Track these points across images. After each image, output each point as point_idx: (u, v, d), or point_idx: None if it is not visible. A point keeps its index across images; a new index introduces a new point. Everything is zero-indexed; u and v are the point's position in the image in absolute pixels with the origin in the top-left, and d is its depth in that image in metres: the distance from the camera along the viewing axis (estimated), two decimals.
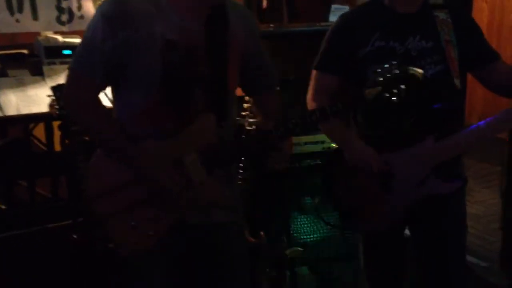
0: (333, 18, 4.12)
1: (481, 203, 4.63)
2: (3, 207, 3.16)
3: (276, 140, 1.87)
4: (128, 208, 1.86)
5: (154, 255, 1.91)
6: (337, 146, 2.31)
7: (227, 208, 1.96)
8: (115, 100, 1.94)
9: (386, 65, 1.86)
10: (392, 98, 1.85)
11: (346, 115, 2.33)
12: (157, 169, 1.83)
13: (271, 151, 1.89)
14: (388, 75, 1.85)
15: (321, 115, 1.88)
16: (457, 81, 2.13)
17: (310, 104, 2.28)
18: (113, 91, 1.93)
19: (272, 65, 2.11)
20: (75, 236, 2.64)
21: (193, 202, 1.87)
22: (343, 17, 2.29)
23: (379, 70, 1.87)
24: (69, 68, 1.90)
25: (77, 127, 2.42)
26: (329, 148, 3.11)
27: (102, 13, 1.79)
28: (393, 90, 1.85)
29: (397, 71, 1.85)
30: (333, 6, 4.20)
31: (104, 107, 1.91)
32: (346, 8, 4.13)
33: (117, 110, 1.93)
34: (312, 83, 2.29)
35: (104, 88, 1.91)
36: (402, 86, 1.84)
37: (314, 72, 2.29)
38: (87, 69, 1.81)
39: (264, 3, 4.00)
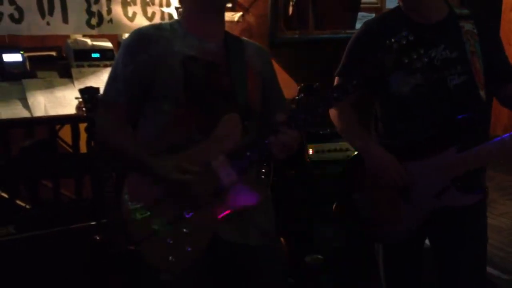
0: (359, 25, 4.12)
1: (504, 215, 4.57)
2: (28, 206, 3.20)
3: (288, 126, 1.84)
4: (163, 226, 1.87)
5: (189, 274, 1.90)
6: (357, 153, 2.31)
7: (262, 230, 1.97)
8: (140, 126, 1.98)
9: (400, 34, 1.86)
10: (413, 64, 1.84)
11: (367, 123, 2.33)
12: (181, 178, 1.83)
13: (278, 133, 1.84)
14: (404, 42, 1.84)
15: (343, 92, 1.87)
16: (482, 93, 2.12)
17: (331, 111, 2.28)
18: (140, 112, 1.97)
19: (284, 99, 2.18)
20: (98, 237, 2.67)
21: (226, 207, 1.87)
22: (366, 24, 2.29)
23: (393, 39, 1.86)
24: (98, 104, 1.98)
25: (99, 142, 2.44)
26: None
27: (123, 44, 1.96)
28: (413, 55, 1.85)
29: (412, 37, 1.84)
30: (360, 14, 4.21)
31: (129, 128, 1.97)
32: (372, 16, 4.13)
33: (142, 134, 1.97)
34: None
35: (130, 113, 1.96)
36: (422, 50, 1.84)
37: (336, 79, 2.30)
38: (112, 94, 1.93)
39: (290, 10, 4.01)
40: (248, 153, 1.86)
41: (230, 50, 1.98)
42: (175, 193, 1.86)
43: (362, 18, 4.20)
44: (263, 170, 2.37)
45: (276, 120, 1.83)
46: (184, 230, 1.86)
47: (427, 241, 2.37)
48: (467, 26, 2.16)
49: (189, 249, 1.87)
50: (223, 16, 2.03)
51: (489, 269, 3.49)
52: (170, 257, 1.86)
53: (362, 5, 4.27)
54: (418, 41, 1.86)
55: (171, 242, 1.87)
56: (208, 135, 1.88)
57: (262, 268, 2.00)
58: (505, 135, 2.11)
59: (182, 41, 1.92)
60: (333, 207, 2.41)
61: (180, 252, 1.87)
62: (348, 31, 4.06)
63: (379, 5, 4.41)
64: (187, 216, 1.87)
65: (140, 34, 1.94)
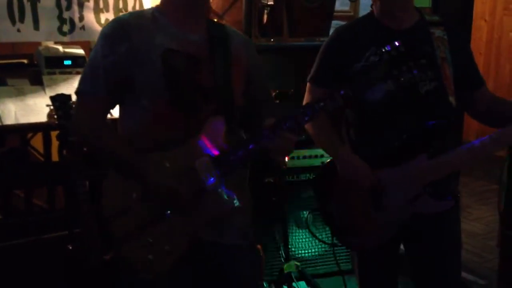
0: None
1: (478, 220, 4.62)
2: None
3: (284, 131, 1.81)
4: (144, 225, 1.84)
5: (169, 273, 1.87)
6: (329, 160, 2.31)
7: (239, 229, 1.95)
8: (122, 117, 1.95)
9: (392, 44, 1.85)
10: (401, 77, 1.83)
11: (340, 131, 2.33)
12: (163, 177, 1.81)
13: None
14: (395, 53, 1.83)
15: (331, 101, 1.84)
16: (452, 99, 2.13)
17: None
18: (120, 109, 1.95)
19: (271, 95, 2.16)
20: (71, 247, 2.62)
21: (207, 211, 1.85)
22: (337, 31, 2.30)
23: (384, 49, 1.85)
24: (75, 93, 1.93)
25: (75, 137, 2.41)
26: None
27: (102, 33, 1.88)
28: (403, 67, 1.84)
29: (403, 49, 1.83)
30: (334, 22, 4.22)
31: (108, 124, 1.93)
32: None
33: (124, 127, 1.94)
34: (306, 96, 2.30)
35: (110, 106, 1.93)
36: (411, 63, 1.84)
37: (308, 85, 2.30)
38: (89, 85, 1.86)
39: (265, 18, 4.01)
40: (231, 157, 1.83)
41: (214, 43, 1.91)
42: (158, 193, 1.83)
43: (336, 26, 4.20)
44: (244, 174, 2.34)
45: (270, 124, 1.80)
46: (164, 230, 1.84)
47: (402, 248, 2.38)
48: (438, 32, 2.18)
49: (168, 248, 1.84)
50: (205, 4, 1.95)
51: (465, 275, 3.52)
52: (150, 256, 1.84)
53: (335, 13, 4.29)
54: (409, 52, 1.86)
55: (151, 241, 1.84)
56: (190, 134, 1.84)
57: (236, 267, 1.97)
58: (475, 140, 2.13)
59: (163, 32, 1.85)
60: (307, 214, 2.41)
61: (159, 251, 1.84)
62: (322, 38, 4.06)
63: (352, 13, 4.43)
64: (167, 216, 1.84)
65: (120, 23, 1.87)
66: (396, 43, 1.85)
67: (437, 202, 2.14)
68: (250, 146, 1.81)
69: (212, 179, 1.81)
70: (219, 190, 1.83)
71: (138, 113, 1.86)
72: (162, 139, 1.85)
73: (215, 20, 2.02)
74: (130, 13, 1.98)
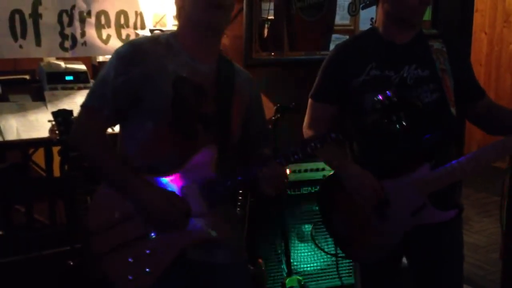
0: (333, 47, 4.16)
1: (480, 232, 4.61)
2: (0, 232, 3.14)
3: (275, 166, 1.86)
4: (125, 244, 1.86)
5: None
6: (332, 173, 2.31)
7: (230, 248, 1.97)
8: (122, 136, 1.98)
9: (384, 94, 1.88)
10: (391, 126, 1.87)
11: (343, 143, 2.34)
12: (157, 197, 1.82)
13: (266, 175, 1.86)
14: (387, 103, 1.86)
15: (320, 143, 1.90)
16: (453, 110, 2.14)
17: (306, 132, 2.30)
18: (121, 127, 1.98)
19: (269, 132, 2.24)
20: (72, 263, 2.62)
21: (193, 237, 1.87)
22: (338, 47, 2.32)
23: (377, 98, 1.88)
24: (80, 106, 1.95)
25: (77, 153, 2.42)
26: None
27: (117, 53, 1.91)
28: (393, 117, 1.86)
29: (395, 99, 1.86)
30: (334, 36, 4.25)
31: (108, 140, 1.95)
32: (346, 38, 4.18)
33: (124, 146, 1.97)
34: (308, 112, 2.32)
35: (111, 124, 1.96)
36: (401, 114, 1.86)
37: (310, 101, 2.32)
38: (96, 101, 1.89)
39: (265, 32, 4.03)
40: (219, 187, 1.87)
41: (221, 75, 1.96)
42: (144, 214, 1.85)
43: (336, 40, 4.24)
44: (239, 202, 2.37)
45: (264, 155, 1.86)
46: (147, 251, 1.85)
47: (405, 260, 2.37)
48: (436, 44, 2.20)
49: (148, 270, 1.85)
50: (219, 38, 1.99)
51: (467, 287, 3.50)
52: (129, 276, 1.85)
53: (335, 27, 4.32)
54: (401, 102, 1.90)
55: (131, 260, 1.85)
56: (186, 161, 1.88)
57: (226, 285, 1.98)
58: (477, 150, 2.14)
59: (176, 59, 1.90)
60: (311, 227, 2.41)
61: (139, 272, 1.85)
62: (322, 52, 4.10)
63: (352, 27, 4.45)
64: (152, 236, 1.86)
65: (136, 47, 1.91)
66: (389, 93, 1.89)
67: (441, 212, 2.15)
68: (239, 178, 1.86)
69: (199, 207, 1.84)
70: (205, 222, 1.86)
71: (140, 134, 1.90)
72: (157, 161, 1.88)
73: (226, 56, 2.07)
74: (146, 38, 2.05)
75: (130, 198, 1.85)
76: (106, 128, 1.95)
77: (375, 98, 1.89)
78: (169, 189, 1.85)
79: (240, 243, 2.07)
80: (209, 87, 1.93)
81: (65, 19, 3.20)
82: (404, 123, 1.88)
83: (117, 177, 1.88)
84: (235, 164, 1.92)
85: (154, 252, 1.85)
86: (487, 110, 2.26)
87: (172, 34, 1.99)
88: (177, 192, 1.85)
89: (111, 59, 1.93)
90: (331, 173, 2.32)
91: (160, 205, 1.82)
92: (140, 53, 1.88)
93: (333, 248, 2.87)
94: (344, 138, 1.93)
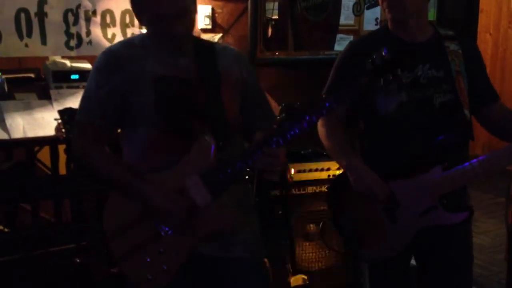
0: (338, 47, 4.17)
1: (486, 233, 4.60)
2: (7, 230, 3.14)
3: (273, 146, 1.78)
4: (141, 245, 1.87)
5: None
6: (342, 172, 2.31)
7: (247, 243, 1.96)
8: (122, 144, 2.00)
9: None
10: (390, 85, 1.85)
11: (353, 141, 2.34)
12: (161, 197, 1.83)
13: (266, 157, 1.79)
14: (379, 62, 1.80)
15: (316, 115, 1.77)
16: (466, 112, 2.14)
17: (320, 129, 2.28)
18: (119, 137, 1.99)
19: (271, 108, 2.12)
20: (78, 260, 2.63)
21: (202, 229, 1.86)
22: (351, 44, 2.32)
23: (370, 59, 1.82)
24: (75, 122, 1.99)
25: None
26: (334, 175, 3.11)
27: (95, 66, 1.93)
28: (389, 76, 1.82)
29: (389, 57, 1.81)
30: (338, 36, 4.25)
31: (106, 149, 1.96)
32: (350, 38, 4.18)
33: (125, 154, 1.98)
34: None
35: (109, 132, 1.96)
36: (398, 70, 1.83)
37: None
38: (85, 116, 1.92)
39: (270, 32, 4.04)
40: (220, 175, 1.84)
41: (202, 64, 1.92)
42: (152, 213, 1.86)
43: (340, 40, 4.24)
44: (245, 190, 2.33)
45: (256, 141, 1.80)
46: (160, 249, 1.87)
47: (413, 261, 2.37)
48: (452, 46, 2.19)
49: (165, 267, 1.86)
50: (189, 33, 1.92)
51: None
52: (149, 276, 1.86)
53: (340, 27, 4.32)
54: (394, 60, 1.84)
55: (149, 260, 1.87)
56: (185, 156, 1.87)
57: (240, 280, 1.97)
58: (490, 153, 2.12)
59: (153, 59, 1.88)
60: (320, 225, 2.40)
61: (157, 270, 1.86)
62: (326, 52, 4.10)
63: (356, 27, 4.46)
64: (163, 235, 1.87)
65: (110, 54, 1.92)
66: (383, 52, 1.83)
67: (451, 214, 2.14)
68: (238, 165, 1.82)
69: (203, 197, 1.83)
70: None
71: (136, 140, 1.91)
72: (159, 164, 1.88)
73: (202, 40, 2.04)
74: (120, 43, 2.01)
75: (136, 201, 1.87)
76: (103, 138, 1.96)
77: (369, 59, 1.81)
78: (171, 184, 1.84)
79: (256, 237, 2.04)
80: (193, 79, 1.90)
81: (71, 18, 3.21)
82: (403, 80, 1.82)
83: (120, 182, 1.89)
84: (238, 150, 1.89)
85: (168, 249, 1.87)
86: (500, 114, 2.24)
87: (147, 34, 1.95)
88: (179, 187, 1.83)
89: (91, 73, 1.94)
90: (341, 172, 2.32)
91: (163, 205, 1.83)
92: (116, 60, 1.88)
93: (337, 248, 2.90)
94: (336, 103, 1.77)
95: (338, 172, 2.42)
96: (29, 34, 3.11)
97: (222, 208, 1.87)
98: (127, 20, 3.41)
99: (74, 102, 3.04)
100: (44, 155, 3.34)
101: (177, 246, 1.87)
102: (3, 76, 3.05)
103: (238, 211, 1.94)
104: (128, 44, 1.96)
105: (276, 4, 3.98)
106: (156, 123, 1.86)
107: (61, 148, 3.02)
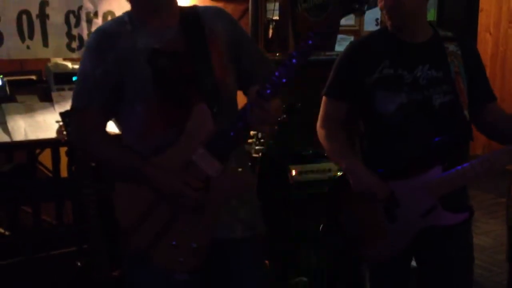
0: (338, 47, 4.16)
1: (487, 234, 4.60)
2: (7, 233, 3.15)
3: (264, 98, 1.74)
4: (163, 230, 1.83)
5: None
6: (342, 173, 2.31)
7: (246, 221, 1.94)
8: (122, 125, 1.96)
9: None
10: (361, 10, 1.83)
11: (353, 141, 2.34)
12: (169, 179, 1.80)
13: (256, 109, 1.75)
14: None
15: (303, 56, 1.76)
16: (466, 112, 2.14)
17: (319, 131, 2.29)
18: (116, 122, 1.98)
19: (265, 55, 2.11)
20: (79, 263, 2.63)
21: (221, 197, 1.84)
22: (352, 44, 2.32)
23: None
24: (70, 109, 1.94)
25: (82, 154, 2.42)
26: (335, 176, 3.11)
27: (87, 46, 1.92)
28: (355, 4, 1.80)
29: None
30: (339, 36, 4.24)
31: (107, 134, 1.94)
32: (351, 39, 4.18)
33: (124, 138, 1.94)
34: (321, 110, 2.31)
35: (106, 117, 1.93)
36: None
37: (323, 99, 2.31)
38: (82, 101, 1.87)
39: (270, 33, 4.04)
40: (224, 140, 1.80)
41: (188, 33, 1.90)
42: (167, 196, 1.82)
43: (341, 40, 4.24)
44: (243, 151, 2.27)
45: (249, 95, 1.76)
46: (184, 229, 1.83)
47: (413, 262, 2.37)
48: (451, 47, 2.20)
49: (194, 245, 1.83)
50: (170, 3, 1.90)
51: None
52: (180, 259, 1.83)
53: (340, 28, 4.31)
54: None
55: (175, 243, 1.83)
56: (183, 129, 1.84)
57: (242, 261, 1.95)
58: (490, 153, 2.13)
59: (143, 34, 1.85)
60: (320, 227, 2.40)
61: (187, 251, 1.83)
62: (327, 53, 4.10)
63: (357, 27, 4.45)
64: (182, 215, 1.83)
65: (102, 32, 1.89)
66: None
67: (451, 214, 2.14)
68: (240, 124, 1.79)
69: (213, 167, 1.80)
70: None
71: (134, 120, 1.86)
72: (160, 141, 1.84)
73: (187, 7, 1.99)
74: (111, 21, 2.01)
75: (145, 184, 1.82)
76: (103, 123, 1.92)
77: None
78: (176, 162, 1.81)
79: (255, 216, 2.00)
80: (183, 51, 1.87)
81: (72, 19, 3.22)
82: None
83: (127, 167, 1.85)
84: (235, 113, 1.85)
85: (192, 226, 1.82)
86: (498, 116, 2.24)
87: (132, 9, 1.92)
88: (186, 164, 1.80)
89: (84, 53, 1.90)
90: (341, 173, 2.32)
91: (174, 189, 1.79)
92: (108, 38, 1.85)
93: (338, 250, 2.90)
94: (318, 36, 1.74)
95: (339, 174, 2.42)
96: (31, 36, 3.12)
97: (233, 171, 1.86)
98: None
99: None
100: (45, 157, 3.35)
101: (199, 221, 1.83)
102: (5, 79, 3.06)
103: (248, 170, 1.94)
104: (118, 21, 1.93)
105: (277, 4, 3.98)
106: (153, 99, 1.83)
107: (63, 150, 3.03)
